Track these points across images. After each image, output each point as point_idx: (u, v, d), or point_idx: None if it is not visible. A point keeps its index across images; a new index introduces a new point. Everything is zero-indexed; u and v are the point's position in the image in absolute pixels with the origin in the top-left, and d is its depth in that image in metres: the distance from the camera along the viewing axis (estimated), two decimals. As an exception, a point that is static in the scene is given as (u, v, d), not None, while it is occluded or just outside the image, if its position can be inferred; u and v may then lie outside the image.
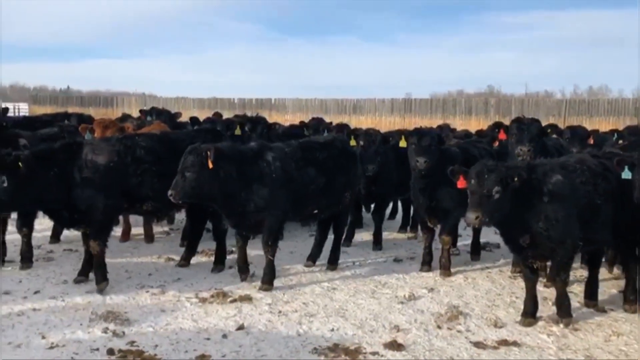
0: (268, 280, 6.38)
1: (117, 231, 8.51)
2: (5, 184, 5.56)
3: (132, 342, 4.90)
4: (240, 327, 5.27)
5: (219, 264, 7.07)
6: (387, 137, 8.23)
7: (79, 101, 50.55)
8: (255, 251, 7.81)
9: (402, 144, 6.99)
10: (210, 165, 5.84)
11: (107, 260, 7.06)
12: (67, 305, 5.73)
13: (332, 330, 5.29)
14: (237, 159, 6.19)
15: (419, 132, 6.84)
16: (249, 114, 16.39)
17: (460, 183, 5.34)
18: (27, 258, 6.92)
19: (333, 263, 7.21)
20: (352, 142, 7.66)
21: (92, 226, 6.23)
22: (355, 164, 7.23)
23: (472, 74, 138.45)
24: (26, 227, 6.90)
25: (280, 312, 5.71)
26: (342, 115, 30.94)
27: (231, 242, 7.15)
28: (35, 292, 6.07)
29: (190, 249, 7.32)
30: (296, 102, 40.31)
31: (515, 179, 5.05)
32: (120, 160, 6.29)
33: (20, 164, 5.62)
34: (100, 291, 6.10)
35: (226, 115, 16.08)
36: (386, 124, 29.21)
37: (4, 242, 7.11)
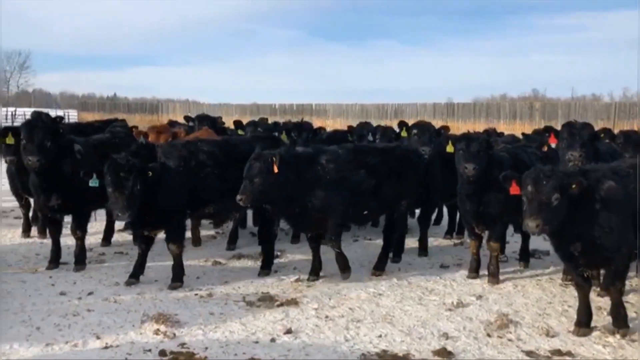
0: (344, 268, 6.84)
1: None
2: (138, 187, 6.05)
3: (182, 344, 4.99)
4: (288, 331, 5.30)
5: (266, 268, 7.14)
6: (440, 130, 8.23)
7: (125, 108, 52.03)
8: (299, 256, 7.88)
9: (450, 149, 6.90)
10: (276, 170, 6.11)
11: (154, 263, 7.29)
12: (120, 307, 5.88)
13: (380, 336, 5.26)
14: (296, 163, 6.46)
15: (467, 137, 6.73)
16: (289, 119, 16.56)
17: (513, 189, 5.23)
18: (80, 260, 7.15)
19: (379, 269, 7.19)
20: (403, 134, 7.97)
21: (169, 230, 6.59)
22: (416, 173, 7.32)
23: (515, 78, 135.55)
24: (80, 230, 7.13)
25: (327, 317, 5.71)
26: (383, 120, 30.83)
27: (277, 247, 7.23)
28: (89, 294, 6.26)
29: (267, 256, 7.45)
30: (336, 107, 40.44)
31: (574, 186, 4.92)
32: (186, 164, 6.60)
33: (150, 172, 6.11)
34: (174, 289, 6.43)
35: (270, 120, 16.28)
36: (428, 128, 28.96)
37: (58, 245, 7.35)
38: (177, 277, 6.58)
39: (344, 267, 6.86)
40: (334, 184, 6.52)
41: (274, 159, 6.15)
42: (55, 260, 7.16)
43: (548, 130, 7.46)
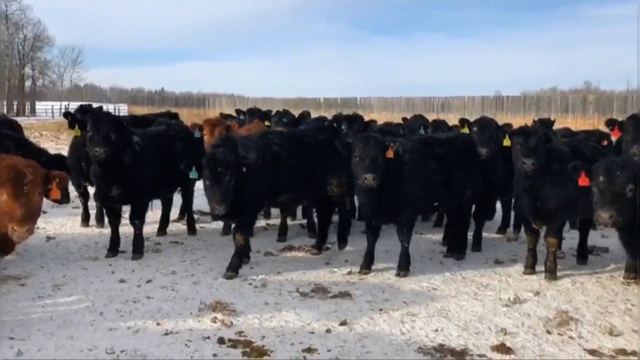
0: (405, 266, 6.82)
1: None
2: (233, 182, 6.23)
3: (240, 332, 5.06)
4: (343, 323, 5.30)
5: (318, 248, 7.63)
6: (501, 127, 8.05)
7: (173, 102, 53.10)
8: (350, 247, 7.88)
9: (507, 143, 6.74)
10: (391, 155, 6.29)
11: (209, 254, 7.43)
12: (177, 295, 6.01)
13: (436, 330, 5.21)
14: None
15: (525, 132, 6.57)
16: (334, 113, 16.66)
17: (582, 180, 5.09)
18: (138, 249, 7.35)
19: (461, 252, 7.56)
20: (465, 130, 7.84)
21: (241, 221, 6.74)
22: (479, 163, 7.35)
23: (566, 71, 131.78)
24: (139, 219, 7.33)
25: (381, 310, 5.69)
26: (430, 114, 30.42)
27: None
28: (148, 282, 6.42)
29: (322, 238, 7.84)
30: (381, 101, 40.13)
31: None
32: (264, 157, 6.78)
33: (244, 167, 6.34)
34: (230, 278, 6.55)
35: (313, 115, 16.32)
36: (476, 122, 28.39)
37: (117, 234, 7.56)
38: (233, 267, 6.67)
39: (405, 266, 6.81)
40: (413, 175, 6.62)
41: (392, 144, 6.31)
42: (114, 248, 7.38)
43: (612, 123, 7.20)
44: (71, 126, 7.65)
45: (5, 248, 4.72)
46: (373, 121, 10.64)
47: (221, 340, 4.87)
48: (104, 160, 6.74)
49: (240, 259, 6.78)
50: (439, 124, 9.72)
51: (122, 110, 52.17)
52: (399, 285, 6.47)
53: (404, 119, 11.13)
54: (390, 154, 6.27)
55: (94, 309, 5.53)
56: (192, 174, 6.50)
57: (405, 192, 6.56)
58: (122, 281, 6.41)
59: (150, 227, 8.63)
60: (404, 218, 6.73)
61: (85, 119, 7.02)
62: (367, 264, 6.92)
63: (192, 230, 8.69)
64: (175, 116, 12.75)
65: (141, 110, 43.64)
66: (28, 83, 68.64)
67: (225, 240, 8.32)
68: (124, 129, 6.92)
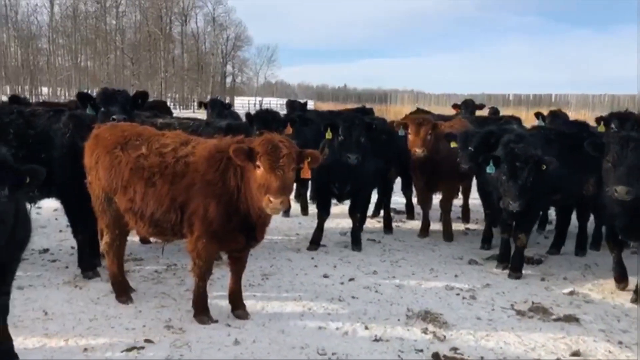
0: (516, 268, 6.54)
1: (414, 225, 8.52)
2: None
3: (455, 349, 4.61)
4: (576, 354, 4.57)
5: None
6: None
7: (357, 98, 54.21)
8: (564, 262, 6.99)
9: None
10: None
11: (409, 255, 7.11)
12: (382, 298, 5.75)
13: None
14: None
15: None
16: (524, 110, 15.68)
17: None
18: (357, 241, 7.42)
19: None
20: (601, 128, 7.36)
21: (524, 218, 6.46)
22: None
23: None
24: (362, 213, 7.61)
25: (620, 342, 4.83)
26: (643, 113, 26.82)
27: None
28: (350, 280, 6.27)
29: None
30: (580, 98, 36.66)
31: None
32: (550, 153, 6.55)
33: (544, 165, 6.13)
34: (517, 278, 6.47)
35: (502, 112, 15.23)
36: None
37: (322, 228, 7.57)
38: (517, 268, 6.57)
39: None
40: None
41: None
42: (316, 242, 7.40)
43: None
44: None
45: (260, 233, 4.88)
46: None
47: (436, 356, 4.47)
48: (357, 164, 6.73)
49: (522, 259, 6.63)
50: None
51: (310, 105, 54.50)
52: (635, 314, 5.48)
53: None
54: None
55: (302, 304, 5.48)
56: (489, 169, 6.29)
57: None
58: (325, 276, 6.34)
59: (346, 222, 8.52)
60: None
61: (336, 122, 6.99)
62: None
63: (389, 229, 8.43)
64: (370, 111, 12.69)
65: (326, 106, 45.15)
66: (228, 80, 75.16)
67: (424, 243, 7.93)
68: (373, 131, 7.01)
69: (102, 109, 6.03)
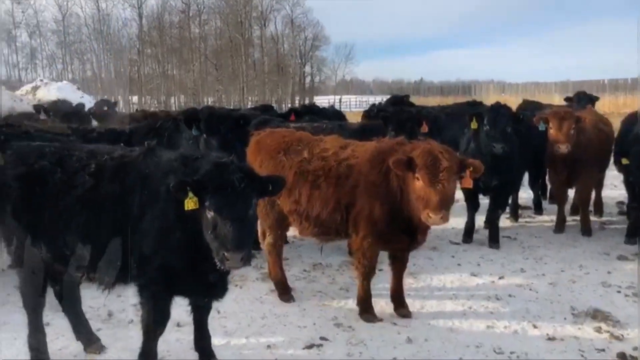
0: None
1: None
2: None
3: (635, 348, 4.47)
4: None
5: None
6: None
7: (438, 91, 53.35)
8: None
9: None
10: None
11: (550, 252, 6.93)
12: (539, 296, 5.65)
13: None
14: None
15: None
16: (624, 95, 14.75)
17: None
18: (496, 239, 7.36)
19: None
20: None
21: None
22: None
23: None
24: (502, 209, 7.59)
25: None
26: None
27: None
28: (500, 278, 6.17)
29: None
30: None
31: None
32: None
33: None
34: None
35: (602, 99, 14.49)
36: None
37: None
38: None
39: None
40: None
41: None
42: (469, 235, 7.51)
43: None
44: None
45: (422, 235, 4.90)
46: None
47: (622, 357, 4.34)
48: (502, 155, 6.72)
49: None
50: None
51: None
52: None
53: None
54: None
55: (462, 303, 5.48)
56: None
57: None
58: (472, 274, 6.30)
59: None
60: None
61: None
62: None
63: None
64: (479, 104, 12.47)
65: (422, 101, 44.56)
66: (307, 80, 76.01)
67: (563, 238, 7.69)
68: (520, 122, 6.98)
69: (204, 135, 6.51)
